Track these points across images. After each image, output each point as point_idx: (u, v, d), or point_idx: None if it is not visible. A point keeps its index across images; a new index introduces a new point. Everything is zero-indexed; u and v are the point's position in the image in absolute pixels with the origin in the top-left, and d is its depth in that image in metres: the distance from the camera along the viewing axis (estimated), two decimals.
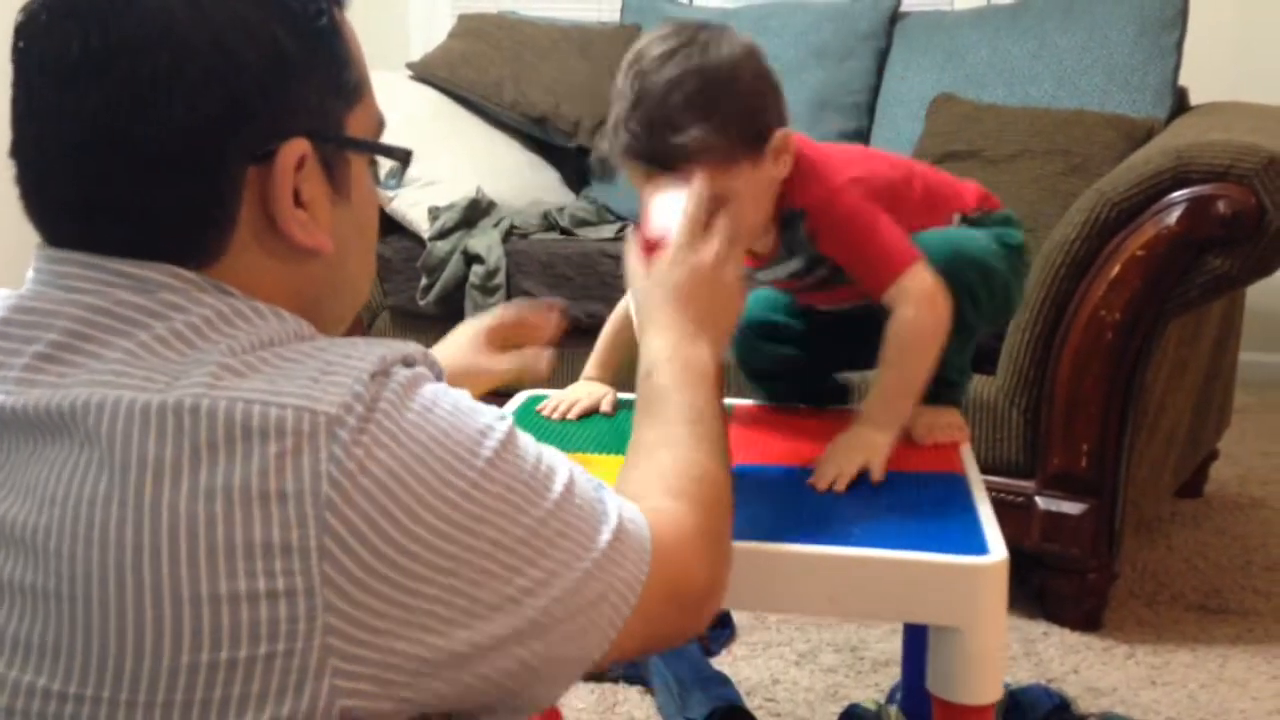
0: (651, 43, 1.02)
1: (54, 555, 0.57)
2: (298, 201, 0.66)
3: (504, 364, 1.13)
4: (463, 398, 0.66)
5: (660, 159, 1.00)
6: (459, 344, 1.14)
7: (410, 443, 0.61)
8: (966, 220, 1.19)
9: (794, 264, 1.13)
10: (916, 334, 1.06)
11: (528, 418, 1.24)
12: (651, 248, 0.94)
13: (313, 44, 0.66)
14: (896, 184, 1.13)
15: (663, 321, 0.89)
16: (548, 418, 1.23)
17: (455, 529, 0.61)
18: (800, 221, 1.09)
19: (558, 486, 0.67)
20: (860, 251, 1.08)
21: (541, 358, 1.13)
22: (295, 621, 0.57)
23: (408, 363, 0.66)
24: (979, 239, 1.14)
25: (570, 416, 1.23)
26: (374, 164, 0.75)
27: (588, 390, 1.27)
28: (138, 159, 0.62)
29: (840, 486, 1.01)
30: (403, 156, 0.75)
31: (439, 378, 0.69)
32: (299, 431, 0.58)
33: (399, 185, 0.83)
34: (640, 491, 0.76)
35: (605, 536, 0.68)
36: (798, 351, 1.27)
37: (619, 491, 0.74)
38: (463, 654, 0.62)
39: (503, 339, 1.15)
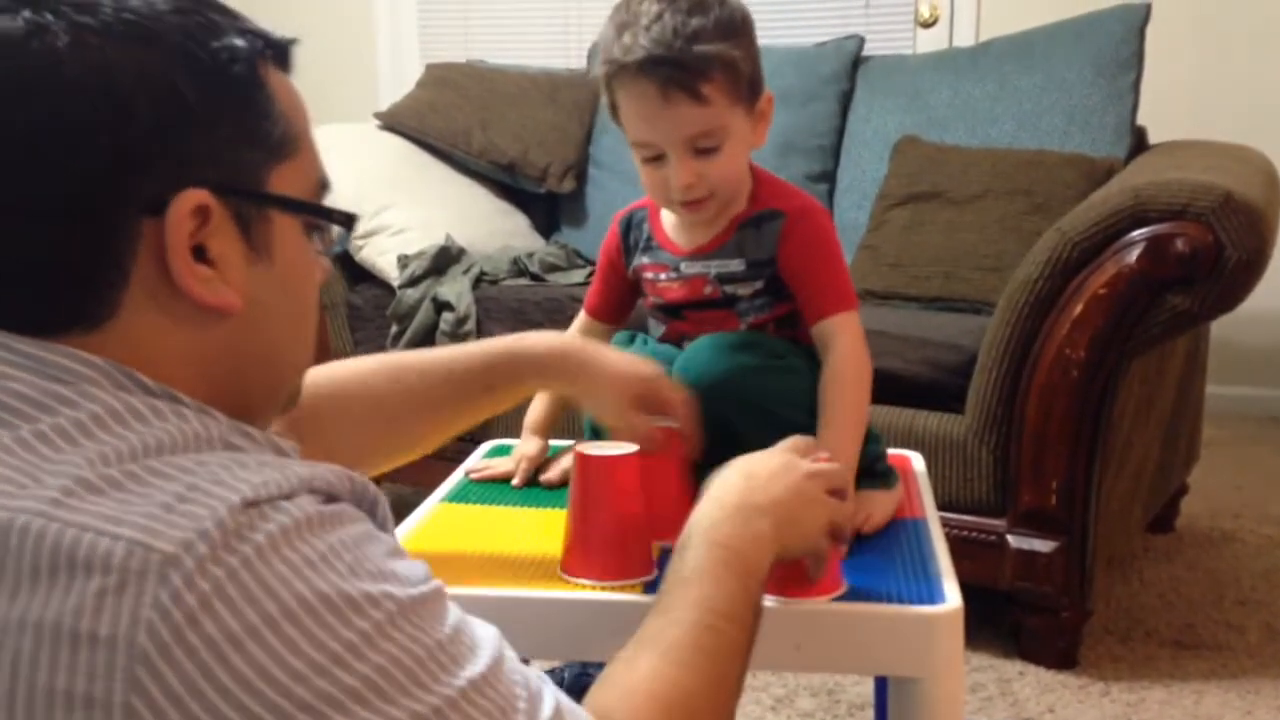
0: None
1: None
2: (203, 258, 0.61)
3: (643, 427, 0.98)
4: (374, 554, 0.56)
5: (686, 67, 1.00)
6: (623, 368, 1.02)
7: (265, 598, 0.51)
8: None
9: (735, 265, 1.10)
10: (857, 366, 1.06)
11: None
12: None
13: (221, 92, 0.61)
14: None
15: (725, 486, 0.80)
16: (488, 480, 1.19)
17: (300, 710, 0.51)
18: (772, 222, 1.09)
19: (467, 673, 0.56)
20: (824, 270, 1.09)
21: (659, 443, 0.98)
22: None
23: (324, 494, 0.57)
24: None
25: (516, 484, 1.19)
26: (316, 226, 0.68)
27: (522, 455, 1.21)
28: (20, 208, 0.58)
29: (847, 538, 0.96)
30: (342, 220, 0.69)
31: (372, 508, 0.61)
32: (125, 569, 0.50)
33: (339, 249, 0.75)
34: (599, 710, 0.64)
35: None
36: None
37: (588, 702, 0.65)
38: None
39: (647, 402, 1.02)
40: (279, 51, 0.66)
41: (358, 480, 0.61)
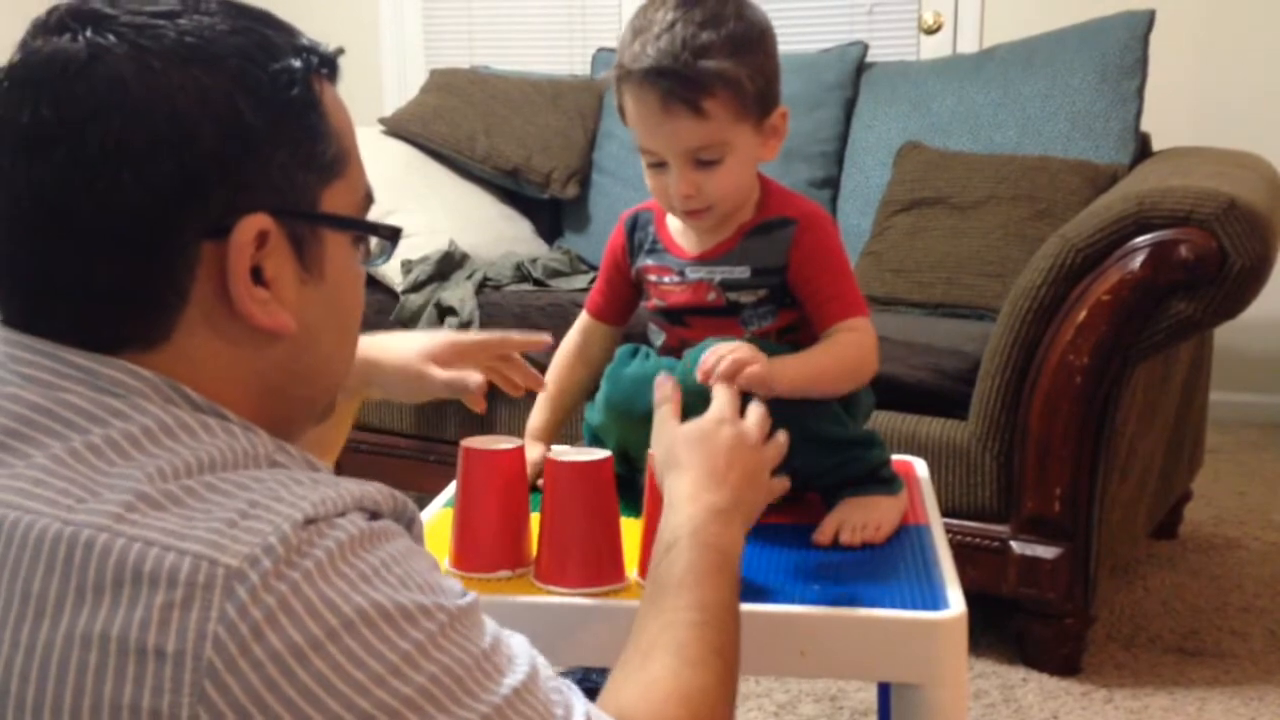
0: None
1: None
2: (260, 280, 0.62)
3: (442, 377, 1.03)
4: (420, 568, 0.58)
5: (689, 80, 1.00)
6: (410, 345, 1.06)
7: (327, 613, 0.52)
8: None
9: (740, 271, 1.10)
10: (860, 347, 1.08)
11: None
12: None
13: (280, 116, 0.62)
14: None
15: (698, 484, 0.82)
16: None
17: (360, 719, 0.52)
18: (783, 230, 1.09)
19: (509, 681, 0.58)
20: (834, 278, 1.10)
21: (471, 380, 1.03)
22: None
23: (370, 512, 0.58)
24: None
25: None
26: (361, 241, 0.69)
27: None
28: (84, 232, 0.58)
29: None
30: (389, 234, 0.69)
31: (410, 525, 0.62)
32: (192, 583, 0.51)
33: (383, 261, 0.75)
34: (623, 712, 0.66)
35: None
36: None
37: (604, 704, 0.66)
38: None
39: (457, 358, 1.07)
40: (330, 66, 0.67)
41: (399, 497, 0.62)
